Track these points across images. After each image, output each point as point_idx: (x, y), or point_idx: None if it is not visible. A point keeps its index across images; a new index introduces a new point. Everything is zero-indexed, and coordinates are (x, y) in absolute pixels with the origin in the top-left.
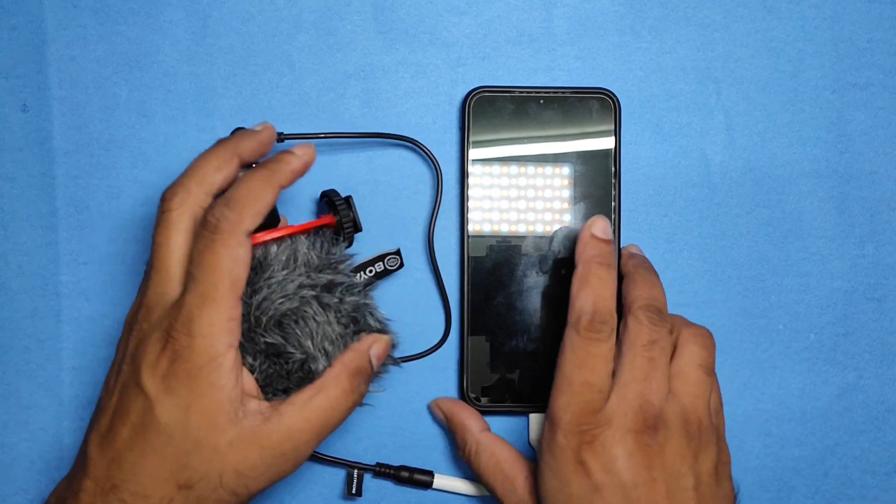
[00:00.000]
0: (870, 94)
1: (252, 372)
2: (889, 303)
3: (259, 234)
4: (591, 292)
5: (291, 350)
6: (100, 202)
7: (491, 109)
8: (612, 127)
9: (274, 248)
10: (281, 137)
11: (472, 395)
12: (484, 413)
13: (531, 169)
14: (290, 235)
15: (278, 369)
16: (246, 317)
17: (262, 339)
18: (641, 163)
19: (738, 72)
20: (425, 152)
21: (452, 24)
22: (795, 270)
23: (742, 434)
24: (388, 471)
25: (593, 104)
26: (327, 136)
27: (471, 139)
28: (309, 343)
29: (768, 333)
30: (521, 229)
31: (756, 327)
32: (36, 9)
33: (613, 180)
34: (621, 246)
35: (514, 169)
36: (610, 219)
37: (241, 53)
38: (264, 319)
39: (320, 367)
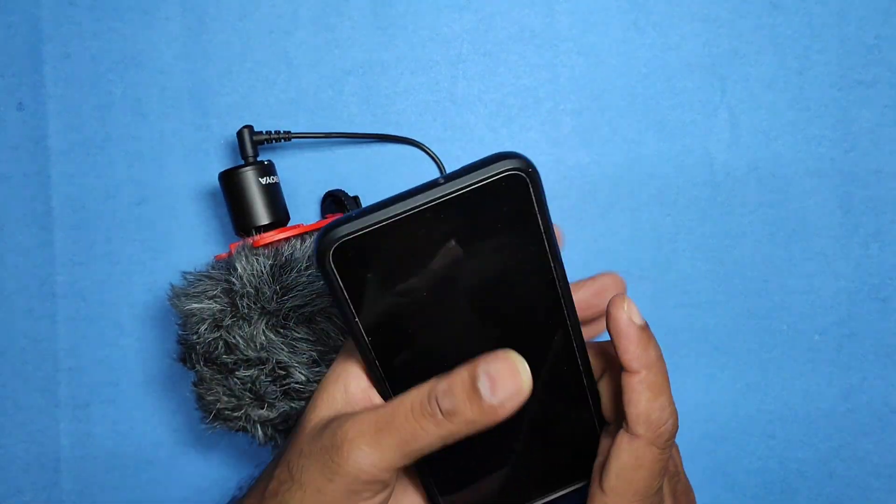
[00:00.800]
0: (876, 91)
1: (290, 368)
2: (894, 303)
3: (280, 231)
4: (668, 402)
5: (321, 346)
6: (95, 201)
7: (364, 256)
8: (533, 210)
9: (298, 245)
10: (289, 136)
11: None
12: None
13: (445, 307)
14: (307, 233)
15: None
16: (275, 313)
17: (292, 334)
18: (644, 161)
19: (744, 69)
20: (429, 154)
21: (453, 19)
22: (799, 270)
23: (745, 436)
24: None
25: (500, 188)
26: (328, 135)
27: (357, 312)
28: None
29: (772, 334)
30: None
31: (760, 328)
32: (32, 6)
33: (555, 275)
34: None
35: (427, 316)
36: (562, 320)
37: (237, 50)
38: (293, 317)
39: None
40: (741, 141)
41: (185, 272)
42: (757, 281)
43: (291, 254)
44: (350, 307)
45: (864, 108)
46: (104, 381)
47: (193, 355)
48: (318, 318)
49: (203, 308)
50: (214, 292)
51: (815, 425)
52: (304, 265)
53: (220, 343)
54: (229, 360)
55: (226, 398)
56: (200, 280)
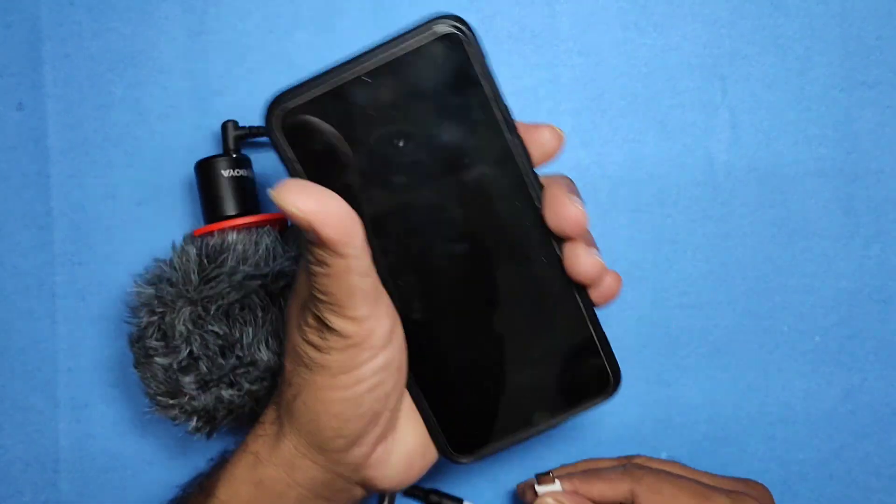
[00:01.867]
0: (878, 92)
1: (199, 360)
2: (895, 304)
3: (224, 223)
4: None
5: (223, 342)
6: (95, 202)
7: (312, 122)
8: (474, 68)
9: (232, 237)
10: None
11: (458, 453)
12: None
13: (401, 178)
14: (254, 225)
15: (225, 360)
16: (197, 303)
17: (208, 328)
18: (645, 161)
19: (745, 69)
20: None
21: None
22: (800, 271)
23: (746, 437)
24: (417, 493)
25: (437, 50)
26: None
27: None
28: (250, 333)
29: (773, 335)
30: (423, 241)
31: (760, 329)
32: (31, 6)
33: (506, 132)
34: None
35: (377, 188)
36: (523, 180)
37: (238, 50)
38: (212, 308)
39: (264, 357)
40: (742, 141)
41: (156, 258)
42: (757, 281)
43: (221, 244)
44: (304, 176)
45: (866, 109)
46: (104, 381)
47: (133, 337)
48: (235, 312)
49: (141, 292)
50: (152, 277)
51: (816, 426)
52: (230, 256)
53: (153, 329)
54: (155, 346)
55: (154, 384)
56: (156, 265)
